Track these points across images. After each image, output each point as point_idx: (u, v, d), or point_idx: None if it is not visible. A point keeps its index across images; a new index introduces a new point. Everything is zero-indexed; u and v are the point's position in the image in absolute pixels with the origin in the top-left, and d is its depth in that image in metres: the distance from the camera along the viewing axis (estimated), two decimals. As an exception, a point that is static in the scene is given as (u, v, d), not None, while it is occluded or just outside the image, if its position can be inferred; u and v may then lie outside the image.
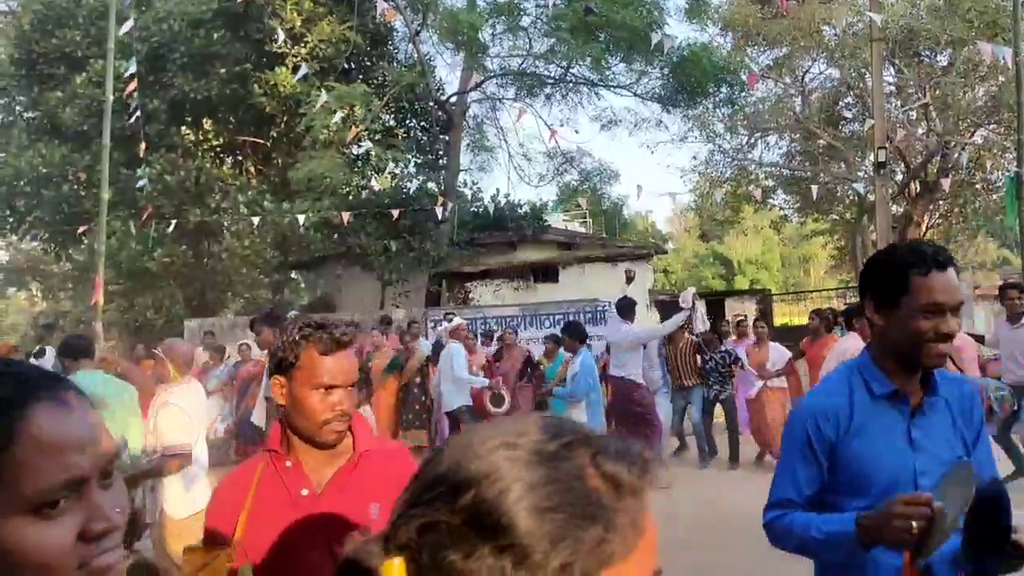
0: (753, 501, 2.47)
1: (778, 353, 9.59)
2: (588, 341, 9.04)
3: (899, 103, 20.75)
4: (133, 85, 11.38)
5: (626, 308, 9.15)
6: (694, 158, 41.42)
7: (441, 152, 19.79)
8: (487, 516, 0.61)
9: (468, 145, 21.07)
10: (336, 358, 1.89)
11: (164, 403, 4.31)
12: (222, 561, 1.82)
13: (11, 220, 18.65)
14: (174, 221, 14.98)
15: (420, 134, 19.78)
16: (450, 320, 10.77)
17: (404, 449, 2.17)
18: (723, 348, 10.00)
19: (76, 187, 17.28)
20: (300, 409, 1.87)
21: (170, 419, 4.25)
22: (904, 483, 1.88)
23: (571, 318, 12.26)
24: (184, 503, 4.29)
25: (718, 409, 10.02)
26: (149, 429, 4.36)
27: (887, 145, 14.24)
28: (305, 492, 1.89)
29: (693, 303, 8.94)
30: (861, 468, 1.93)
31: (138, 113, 12.38)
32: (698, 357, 9.96)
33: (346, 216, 14.52)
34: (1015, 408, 6.42)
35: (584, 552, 0.61)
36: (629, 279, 9.10)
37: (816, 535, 1.90)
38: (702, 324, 9.62)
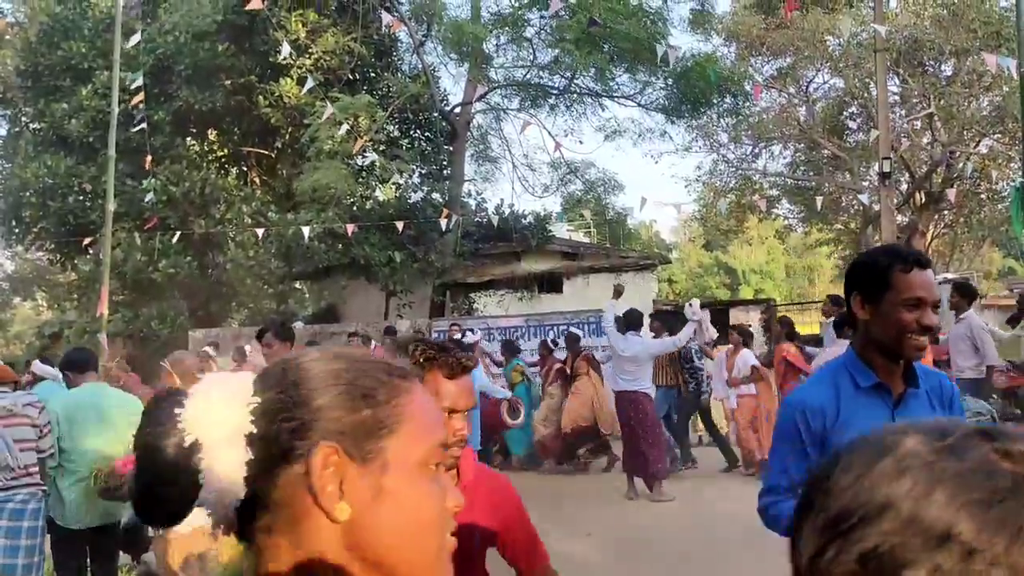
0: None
1: (743, 360, 9.67)
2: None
3: (903, 113, 20.75)
4: (140, 97, 11.42)
5: (637, 320, 9.13)
6: (698, 168, 41.40)
7: (445, 162, 19.81)
8: (924, 523, 0.60)
9: (472, 155, 21.11)
10: (460, 382, 1.86)
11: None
12: None
13: (17, 231, 18.71)
14: (179, 232, 15.01)
15: (424, 145, 19.82)
16: (457, 330, 10.78)
17: (506, 480, 2.16)
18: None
19: (82, 198, 17.33)
20: None
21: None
22: None
23: (574, 328, 12.25)
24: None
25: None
26: None
27: (892, 155, 14.24)
28: None
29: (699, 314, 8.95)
30: None
31: (144, 124, 12.42)
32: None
33: (350, 227, 14.54)
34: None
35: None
36: (618, 293, 9.03)
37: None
38: (709, 334, 9.62)
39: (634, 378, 8.75)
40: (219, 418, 0.80)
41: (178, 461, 0.80)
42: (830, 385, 2.13)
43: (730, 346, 10.13)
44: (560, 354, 11.08)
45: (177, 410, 0.82)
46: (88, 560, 4.84)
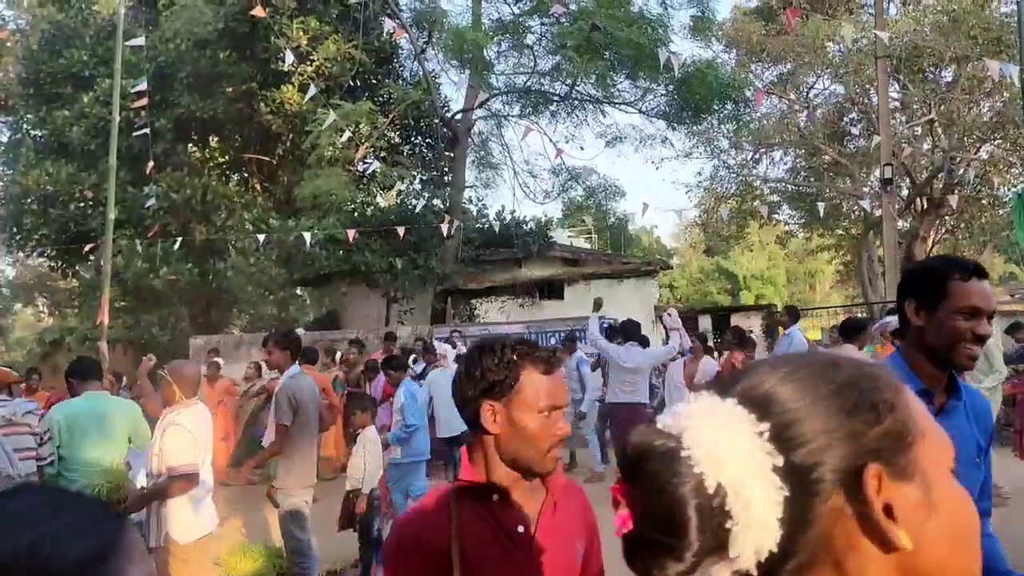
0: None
1: (708, 367, 9.66)
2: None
3: (904, 119, 20.76)
4: (142, 102, 11.42)
5: (635, 331, 9.14)
6: (699, 174, 41.52)
7: (446, 169, 19.83)
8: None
9: (473, 162, 21.11)
10: (556, 378, 1.76)
11: (170, 423, 4.28)
12: None
13: (18, 237, 18.73)
14: (180, 239, 15.02)
15: (425, 151, 19.85)
16: (458, 337, 10.72)
17: (577, 485, 2.02)
18: None
19: (83, 205, 17.36)
20: (523, 436, 1.71)
21: (176, 440, 4.21)
22: None
23: (576, 334, 12.22)
24: (190, 527, 4.25)
25: None
26: (155, 451, 4.33)
27: (893, 161, 14.25)
28: (521, 529, 1.74)
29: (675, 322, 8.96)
30: None
31: (146, 131, 12.42)
32: None
33: (351, 233, 14.54)
34: None
35: None
36: (597, 306, 9.00)
37: None
38: (684, 343, 9.64)
39: (634, 390, 8.71)
40: (735, 453, 0.70)
41: (703, 509, 0.70)
42: None
43: (690, 355, 10.11)
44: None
45: (682, 452, 0.71)
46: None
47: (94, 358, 6.17)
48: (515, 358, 1.73)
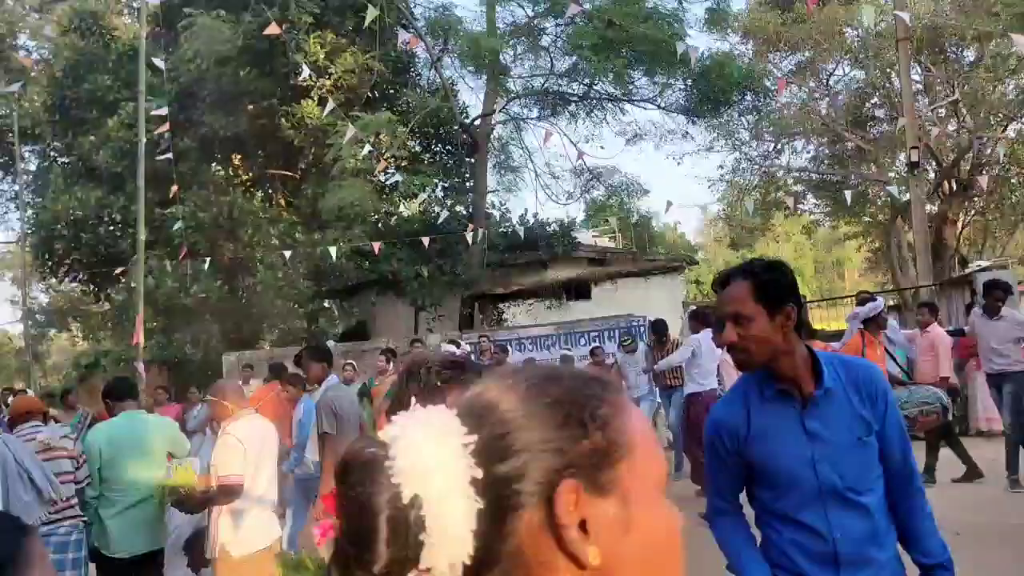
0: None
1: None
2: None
3: (928, 101, 20.48)
4: (164, 128, 11.57)
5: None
6: (720, 167, 41.21)
7: (468, 175, 19.86)
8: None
9: (494, 167, 21.14)
10: None
11: (223, 433, 4.34)
12: None
13: (50, 264, 19.02)
14: (208, 257, 15.17)
15: (446, 158, 19.89)
16: (487, 342, 10.72)
17: None
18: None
19: (112, 228, 17.59)
20: None
21: (224, 451, 4.26)
22: (803, 472, 2.04)
23: (606, 334, 12.21)
24: (243, 540, 4.26)
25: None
26: (212, 461, 4.39)
27: (918, 144, 14.05)
28: None
29: None
30: (765, 465, 2.10)
31: (169, 156, 12.58)
32: None
33: (376, 244, 14.60)
34: (944, 419, 6.62)
35: None
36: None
37: (737, 566, 2.17)
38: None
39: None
40: (436, 464, 0.70)
41: (397, 520, 0.69)
42: (740, 399, 2.16)
43: None
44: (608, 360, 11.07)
45: (386, 462, 0.71)
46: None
47: (130, 378, 6.25)
48: (438, 383, 1.72)
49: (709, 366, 8.27)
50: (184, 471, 4.57)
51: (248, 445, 4.32)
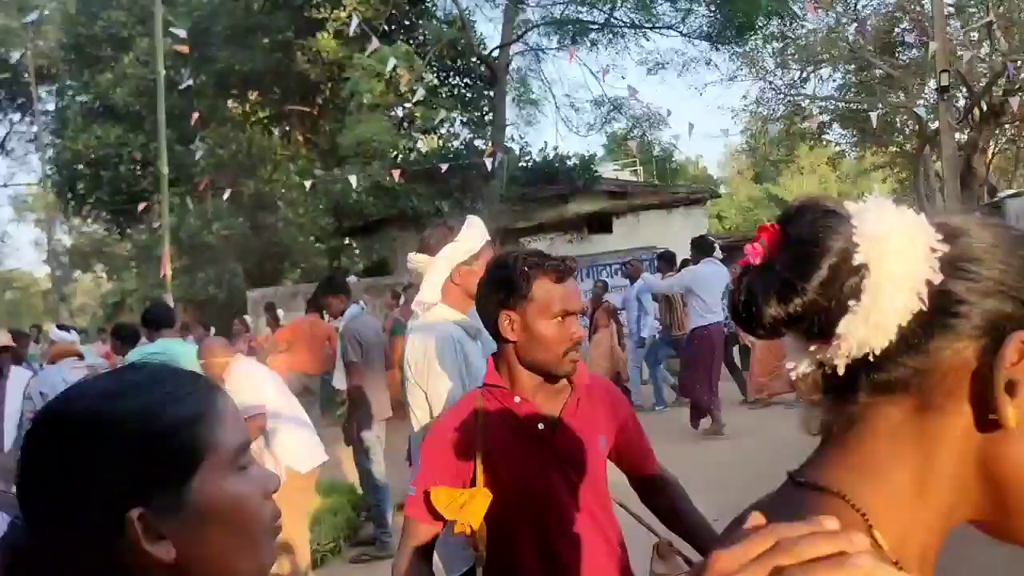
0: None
1: None
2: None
3: (959, 25, 19.84)
4: (183, 49, 11.39)
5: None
6: (744, 97, 40.42)
7: (486, 108, 19.61)
8: None
9: (513, 99, 20.82)
10: (568, 285, 1.87)
11: (227, 384, 4.34)
12: (480, 500, 1.81)
13: (73, 203, 19.13)
14: (228, 193, 15.17)
15: (464, 91, 19.61)
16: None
17: (610, 382, 2.21)
18: None
19: (133, 166, 17.60)
20: (539, 341, 1.84)
21: (237, 383, 4.27)
22: None
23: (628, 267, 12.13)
24: (305, 456, 4.33)
25: None
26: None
27: (949, 69, 13.67)
28: (541, 426, 1.87)
29: None
30: None
31: (189, 83, 12.45)
32: None
33: (396, 173, 14.46)
34: None
35: None
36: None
37: None
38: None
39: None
40: (900, 248, 0.66)
41: (838, 271, 0.66)
42: None
43: None
44: (614, 296, 11.04)
45: (852, 220, 0.68)
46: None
47: (166, 305, 6.26)
48: (526, 268, 1.83)
49: (711, 298, 7.90)
50: None
51: (253, 377, 4.35)
